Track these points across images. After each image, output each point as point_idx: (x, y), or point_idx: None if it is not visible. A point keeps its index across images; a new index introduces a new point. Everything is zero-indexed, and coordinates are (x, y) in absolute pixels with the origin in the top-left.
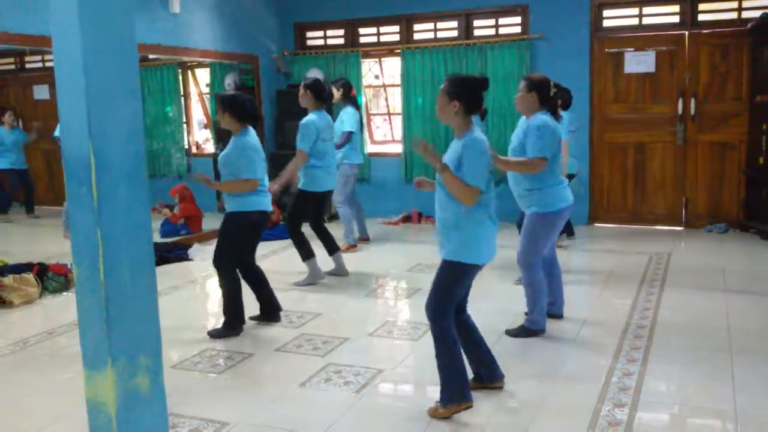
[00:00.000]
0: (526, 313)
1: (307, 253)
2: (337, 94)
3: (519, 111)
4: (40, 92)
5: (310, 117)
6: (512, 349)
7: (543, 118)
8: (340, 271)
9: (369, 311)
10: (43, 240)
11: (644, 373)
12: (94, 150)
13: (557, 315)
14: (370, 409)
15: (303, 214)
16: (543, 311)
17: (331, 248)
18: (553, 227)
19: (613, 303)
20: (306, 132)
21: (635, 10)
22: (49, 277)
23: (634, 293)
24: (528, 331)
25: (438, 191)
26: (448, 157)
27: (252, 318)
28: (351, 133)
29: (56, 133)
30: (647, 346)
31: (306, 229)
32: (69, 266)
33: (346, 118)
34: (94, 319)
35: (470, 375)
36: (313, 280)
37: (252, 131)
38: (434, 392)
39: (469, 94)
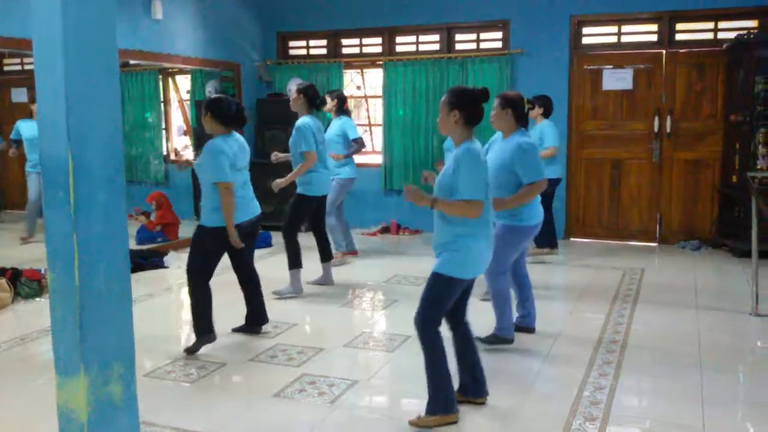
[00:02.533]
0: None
1: (294, 263)
2: (330, 104)
3: (497, 129)
4: (18, 95)
5: (304, 119)
6: (485, 362)
7: (527, 140)
8: (326, 281)
9: (345, 322)
10: (15, 245)
11: (615, 388)
12: (73, 154)
13: (529, 328)
14: (344, 420)
15: (300, 220)
16: (510, 320)
17: (326, 255)
18: (523, 241)
19: (586, 317)
20: (305, 133)
21: (614, 28)
22: (22, 283)
23: (607, 308)
24: (497, 338)
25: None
26: (446, 168)
27: (235, 329)
28: (360, 138)
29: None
30: (619, 360)
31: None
32: (43, 272)
33: (348, 126)
34: (68, 325)
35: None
36: (295, 292)
37: (233, 136)
38: (409, 404)
39: (468, 104)
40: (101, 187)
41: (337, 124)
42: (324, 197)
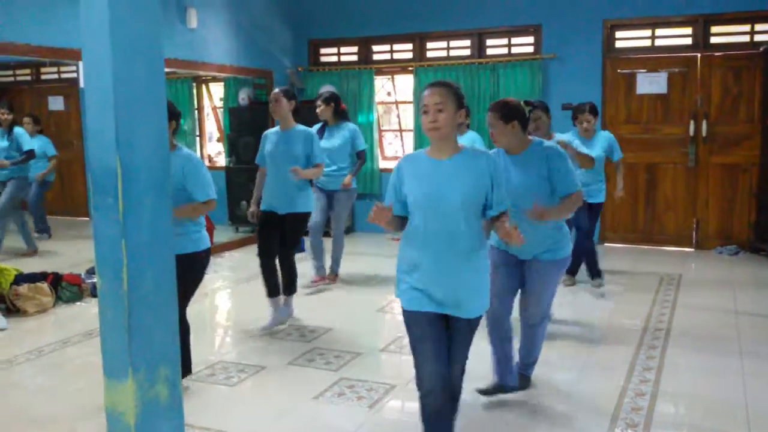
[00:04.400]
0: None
1: (295, 288)
2: (327, 110)
3: (502, 146)
4: (55, 103)
5: (312, 129)
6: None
7: (553, 146)
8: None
9: (380, 327)
10: (55, 249)
11: (657, 394)
12: (121, 161)
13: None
14: (383, 425)
15: (299, 240)
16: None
17: (292, 287)
18: None
19: (623, 323)
20: (319, 144)
21: (648, 32)
22: (63, 287)
23: (645, 313)
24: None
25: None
26: (528, 179)
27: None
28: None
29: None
30: (659, 366)
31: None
32: (82, 276)
33: (357, 135)
34: (116, 328)
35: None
36: (290, 314)
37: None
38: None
39: (522, 115)
40: (149, 193)
41: (345, 131)
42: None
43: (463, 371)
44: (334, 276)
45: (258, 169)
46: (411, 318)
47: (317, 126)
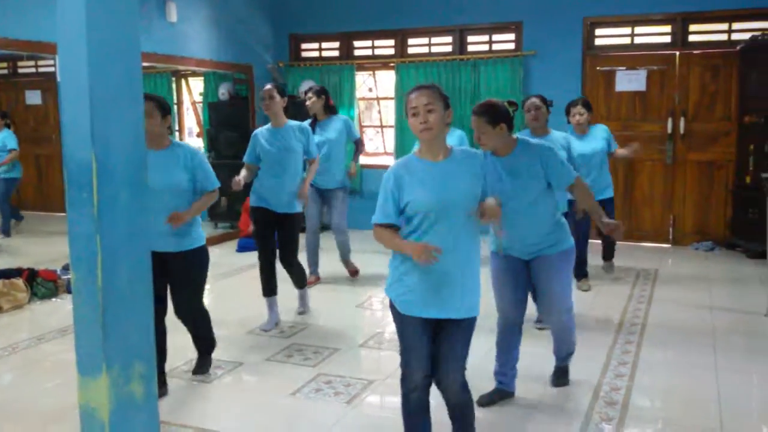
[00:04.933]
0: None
1: (306, 281)
2: (318, 103)
3: (490, 150)
4: (32, 97)
5: (306, 123)
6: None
7: (541, 143)
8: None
9: (359, 322)
10: (31, 245)
11: (632, 388)
12: (96, 155)
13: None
14: (361, 420)
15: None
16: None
17: (302, 281)
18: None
19: (599, 318)
20: (313, 138)
21: (627, 30)
22: (39, 283)
23: (622, 307)
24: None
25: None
26: (521, 180)
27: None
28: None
29: None
30: (634, 361)
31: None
32: (58, 272)
33: (351, 125)
34: (91, 325)
35: None
36: (306, 307)
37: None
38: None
39: (508, 116)
40: (124, 189)
41: (338, 123)
42: None
43: (463, 372)
44: (355, 271)
45: (245, 165)
46: (405, 321)
47: (307, 121)
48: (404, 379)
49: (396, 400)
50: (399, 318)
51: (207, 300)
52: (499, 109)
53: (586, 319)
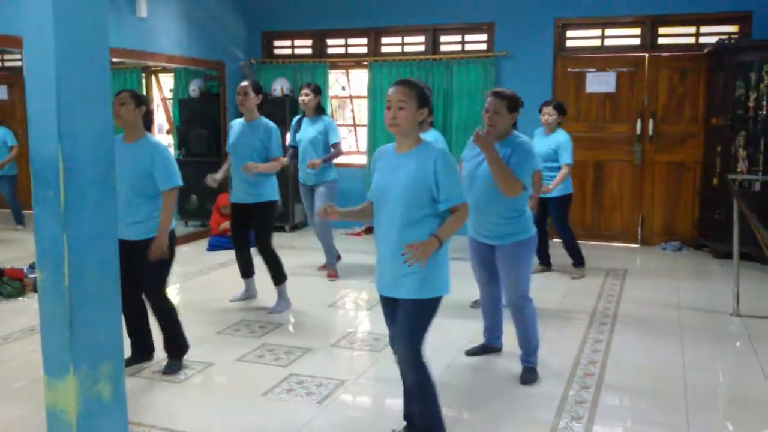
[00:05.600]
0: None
1: (283, 275)
2: (314, 101)
3: (496, 133)
4: None
5: (271, 122)
6: (471, 371)
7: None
8: (251, 294)
9: (331, 322)
10: None
11: (600, 386)
12: (63, 153)
13: (498, 347)
14: (332, 420)
15: (272, 228)
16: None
17: (280, 277)
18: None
19: (569, 317)
20: (279, 137)
21: (598, 32)
22: (5, 282)
23: (591, 307)
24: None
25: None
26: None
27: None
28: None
29: None
30: (603, 359)
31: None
32: (25, 271)
33: (331, 128)
34: (57, 324)
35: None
36: (287, 305)
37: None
38: (397, 404)
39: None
40: (91, 186)
41: (321, 124)
42: None
43: (407, 356)
44: (332, 273)
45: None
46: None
47: (297, 117)
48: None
49: (368, 399)
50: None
51: (177, 298)
52: (518, 100)
53: (556, 318)
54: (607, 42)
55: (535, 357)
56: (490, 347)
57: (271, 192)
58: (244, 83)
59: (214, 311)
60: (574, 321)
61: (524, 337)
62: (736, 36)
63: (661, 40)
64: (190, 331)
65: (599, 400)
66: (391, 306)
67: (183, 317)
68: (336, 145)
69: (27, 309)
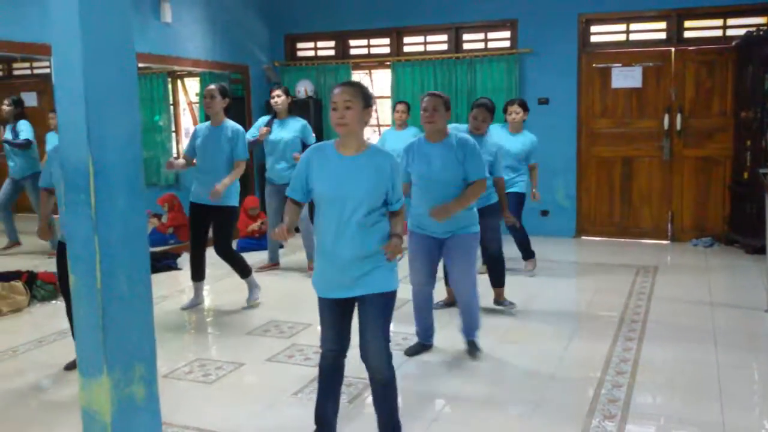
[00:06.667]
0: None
1: (248, 268)
2: (287, 102)
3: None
4: (28, 99)
5: (239, 126)
6: (497, 357)
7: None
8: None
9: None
10: (32, 247)
11: (633, 385)
12: (93, 157)
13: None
14: (363, 419)
15: (232, 231)
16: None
17: (245, 270)
18: None
19: (600, 316)
20: (245, 140)
21: (623, 27)
22: (38, 286)
23: (622, 305)
24: (476, 344)
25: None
26: (453, 164)
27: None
28: None
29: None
30: (635, 358)
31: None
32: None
33: (308, 130)
34: (91, 327)
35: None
36: (259, 289)
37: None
38: (429, 403)
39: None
40: (121, 190)
41: (296, 124)
42: None
43: (382, 349)
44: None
45: (183, 155)
46: (320, 302)
47: (266, 118)
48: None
49: (398, 399)
50: (318, 300)
51: (206, 300)
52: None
53: (587, 316)
54: (633, 36)
55: (477, 332)
56: (426, 345)
57: (234, 197)
58: (211, 86)
59: (243, 312)
60: (605, 319)
61: (472, 321)
62: (765, 27)
63: (687, 34)
64: (220, 332)
65: (632, 398)
66: (341, 307)
67: (213, 319)
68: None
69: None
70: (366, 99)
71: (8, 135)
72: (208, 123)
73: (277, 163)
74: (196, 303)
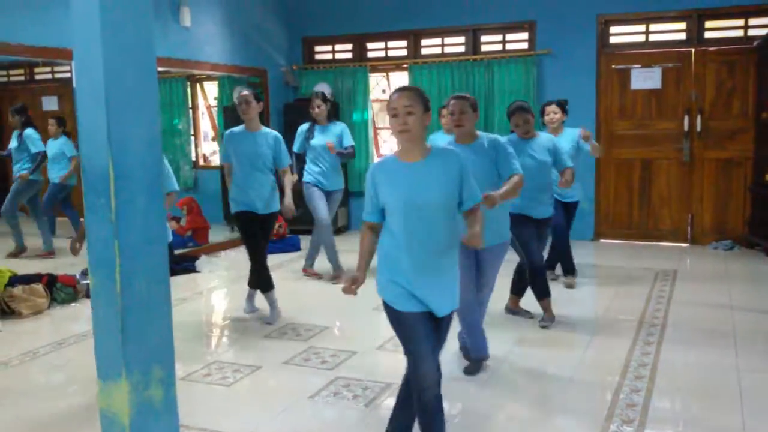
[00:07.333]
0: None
1: (272, 284)
2: (326, 108)
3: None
4: (49, 103)
5: (277, 132)
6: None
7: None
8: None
9: (376, 325)
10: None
11: (652, 390)
12: (114, 161)
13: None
14: (380, 423)
15: None
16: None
17: (269, 283)
18: None
19: (618, 319)
20: (286, 147)
21: (642, 27)
22: (58, 288)
23: (641, 308)
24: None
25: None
26: (487, 165)
27: None
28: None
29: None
30: (654, 362)
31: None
32: (77, 277)
33: (345, 132)
34: (110, 329)
35: None
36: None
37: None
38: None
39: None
40: (141, 193)
41: (336, 129)
42: None
43: (438, 366)
44: (335, 276)
45: (225, 167)
46: (399, 317)
47: (306, 125)
48: (414, 381)
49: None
50: (392, 315)
51: (225, 303)
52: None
53: (605, 321)
54: (652, 37)
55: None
56: (485, 357)
57: (278, 203)
58: (245, 92)
59: (260, 315)
60: (624, 323)
61: (482, 331)
62: None
63: (707, 34)
64: (238, 335)
65: (650, 403)
66: (426, 324)
67: (231, 323)
68: (353, 147)
69: (79, 314)
70: (425, 102)
71: (14, 143)
72: (241, 128)
73: (317, 167)
74: (275, 317)
